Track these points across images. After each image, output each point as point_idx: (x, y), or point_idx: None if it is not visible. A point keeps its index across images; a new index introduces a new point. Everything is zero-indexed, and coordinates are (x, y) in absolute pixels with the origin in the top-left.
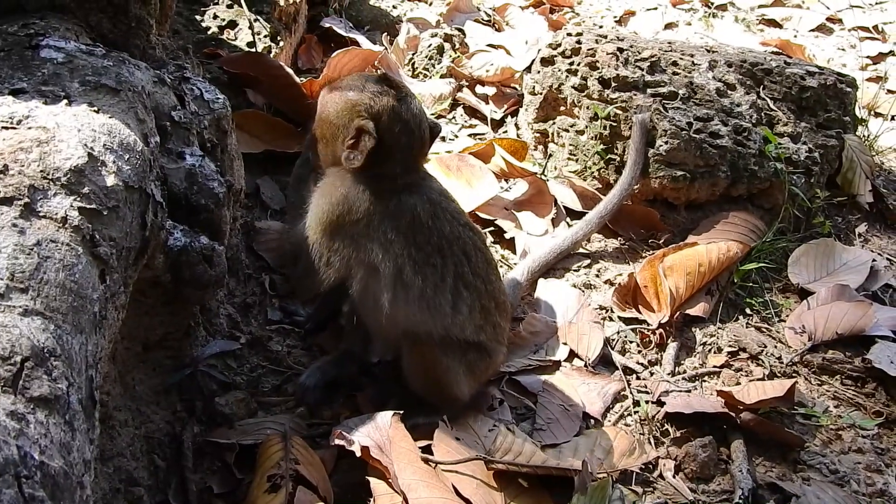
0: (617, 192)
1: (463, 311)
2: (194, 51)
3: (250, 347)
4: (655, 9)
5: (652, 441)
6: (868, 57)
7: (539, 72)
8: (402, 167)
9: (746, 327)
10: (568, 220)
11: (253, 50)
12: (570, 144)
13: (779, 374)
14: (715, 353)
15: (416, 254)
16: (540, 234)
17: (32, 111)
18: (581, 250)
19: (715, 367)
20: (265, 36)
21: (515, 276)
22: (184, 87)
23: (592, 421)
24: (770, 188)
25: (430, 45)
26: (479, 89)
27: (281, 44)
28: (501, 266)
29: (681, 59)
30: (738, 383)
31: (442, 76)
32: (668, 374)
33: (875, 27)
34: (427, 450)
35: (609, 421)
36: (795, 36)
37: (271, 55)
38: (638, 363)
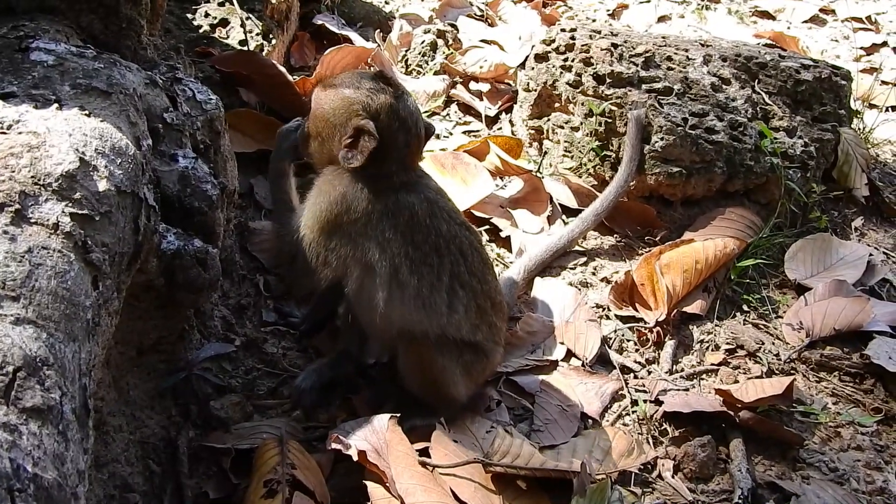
0: (613, 188)
1: (459, 310)
2: (186, 50)
3: (245, 350)
4: (648, 1)
5: (650, 441)
6: (861, 48)
7: (533, 68)
8: (397, 166)
9: (744, 324)
10: (564, 217)
11: (245, 48)
12: (566, 141)
13: (777, 372)
14: (713, 350)
15: (414, 253)
16: (535, 232)
17: (23, 116)
18: (577, 248)
19: (713, 364)
20: (257, 34)
21: (511, 275)
22: (176, 88)
23: (590, 421)
24: (766, 183)
25: (423, 42)
26: (472, 86)
27: (273, 42)
28: (497, 265)
29: (675, 53)
30: (737, 381)
31: (435, 73)
32: (666, 372)
33: (868, 18)
34: (424, 452)
35: (607, 421)
36: (789, 27)
37: (263, 53)
38: (635, 362)
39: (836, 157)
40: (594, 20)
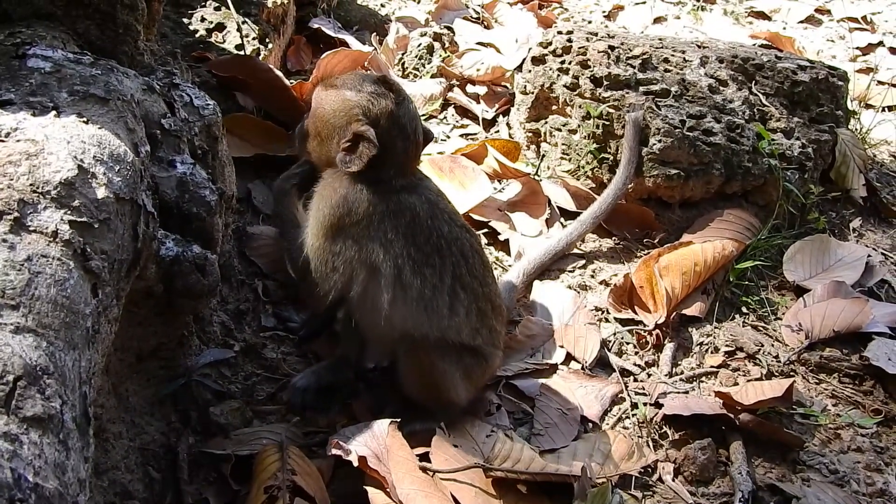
0: (611, 191)
1: (460, 313)
2: (182, 55)
3: (244, 355)
4: (644, 2)
5: (651, 444)
6: (857, 48)
7: (530, 71)
8: (396, 171)
9: (743, 326)
10: (562, 220)
11: (241, 53)
12: (563, 144)
13: (776, 374)
14: (712, 353)
15: (416, 253)
16: (534, 235)
17: (21, 123)
18: (576, 251)
19: (712, 367)
20: (253, 38)
21: (510, 278)
22: (173, 93)
23: (590, 424)
24: (764, 185)
25: (419, 45)
26: (469, 89)
27: (269, 46)
28: (496, 268)
29: (672, 55)
30: (736, 383)
31: (432, 76)
32: (666, 375)
33: (864, 17)
34: (425, 457)
35: (607, 424)
36: (784, 28)
37: (260, 57)
38: (635, 365)
39: (834, 158)
40: (590, 22)
